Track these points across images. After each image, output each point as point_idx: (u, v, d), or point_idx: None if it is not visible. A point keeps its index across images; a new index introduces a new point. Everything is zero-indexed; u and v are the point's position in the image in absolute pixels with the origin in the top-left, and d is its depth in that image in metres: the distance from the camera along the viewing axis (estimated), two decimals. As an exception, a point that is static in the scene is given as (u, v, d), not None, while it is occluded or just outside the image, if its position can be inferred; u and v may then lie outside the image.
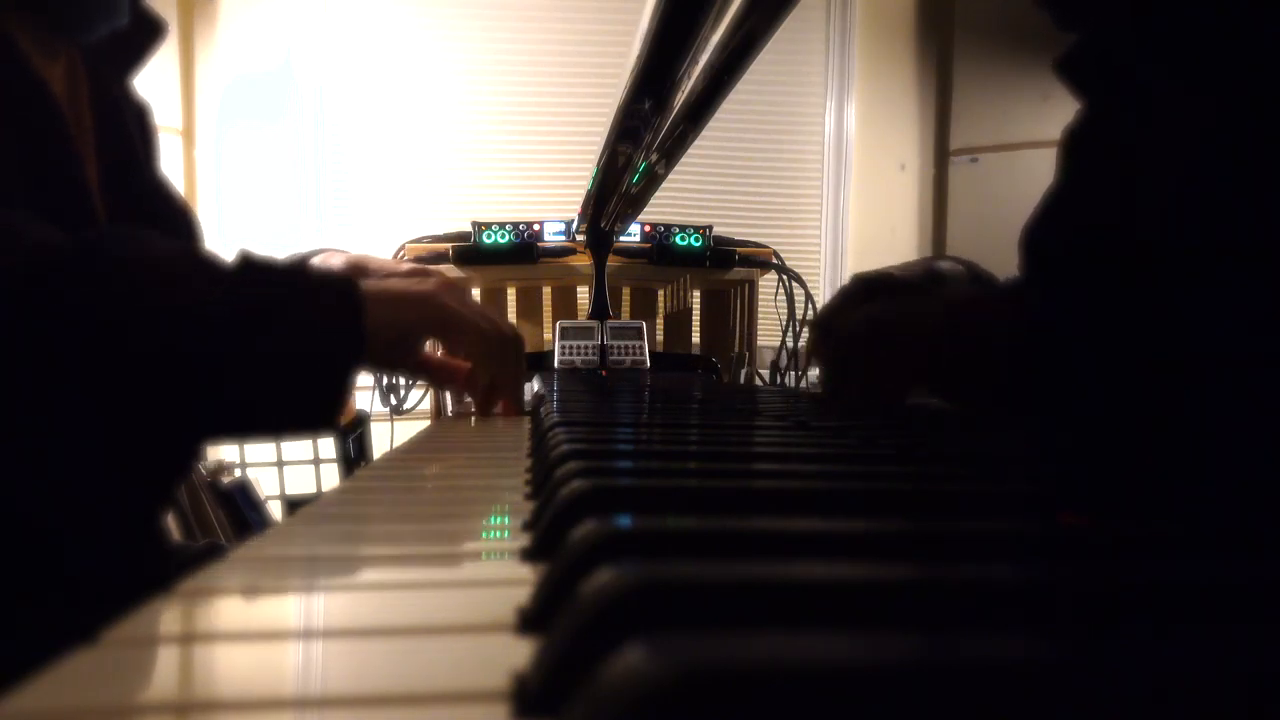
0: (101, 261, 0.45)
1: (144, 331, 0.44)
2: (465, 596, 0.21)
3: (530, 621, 0.18)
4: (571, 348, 1.29)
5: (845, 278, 2.71)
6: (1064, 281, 0.46)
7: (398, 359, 0.62)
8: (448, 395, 1.49)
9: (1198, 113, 0.39)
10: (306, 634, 0.18)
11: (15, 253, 0.43)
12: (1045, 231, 0.49)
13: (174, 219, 0.71)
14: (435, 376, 0.67)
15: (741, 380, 1.58)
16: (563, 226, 1.67)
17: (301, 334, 0.47)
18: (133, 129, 0.66)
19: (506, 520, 0.30)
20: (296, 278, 0.49)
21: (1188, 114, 0.39)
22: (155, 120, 0.71)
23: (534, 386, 0.91)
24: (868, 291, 0.64)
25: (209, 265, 0.48)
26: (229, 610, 0.20)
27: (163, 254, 0.48)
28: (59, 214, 0.56)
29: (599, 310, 1.37)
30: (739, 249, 1.72)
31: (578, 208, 1.41)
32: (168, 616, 0.19)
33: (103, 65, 0.64)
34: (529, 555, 0.24)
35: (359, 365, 0.50)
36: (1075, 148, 0.48)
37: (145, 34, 0.67)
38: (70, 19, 0.58)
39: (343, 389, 0.49)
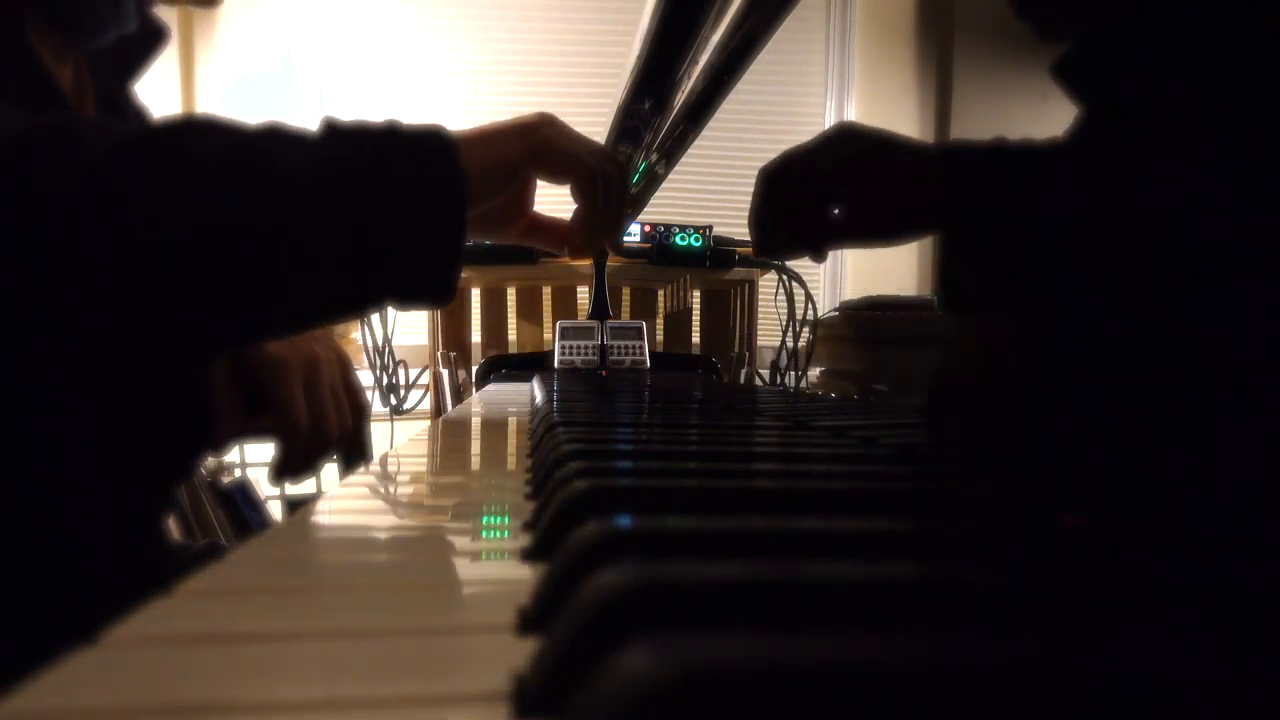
0: (172, 146, 0.43)
1: (233, 211, 0.43)
2: (465, 596, 0.21)
3: (530, 621, 0.18)
4: (571, 348, 1.29)
5: (845, 277, 2.72)
6: (1061, 283, 0.46)
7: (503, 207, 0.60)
8: (447, 394, 1.49)
9: (1193, 115, 0.39)
10: (305, 634, 0.18)
11: (77, 146, 0.42)
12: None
13: None
14: (539, 237, 0.66)
15: (741, 380, 1.58)
16: (563, 226, 1.67)
17: (401, 185, 0.45)
18: None
19: (506, 520, 0.30)
20: (383, 134, 0.48)
21: (1183, 116, 0.39)
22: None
23: (534, 387, 0.91)
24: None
25: (290, 136, 0.47)
26: (228, 610, 0.20)
27: (237, 131, 0.46)
28: None
29: (599, 310, 1.37)
30: (739, 249, 1.72)
31: (578, 208, 1.40)
32: (168, 616, 0.19)
33: (108, 69, 0.64)
34: (529, 555, 0.24)
35: (465, 207, 0.47)
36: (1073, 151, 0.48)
37: (148, 39, 0.68)
38: (82, 25, 0.58)
39: (456, 235, 0.47)
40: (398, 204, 0.45)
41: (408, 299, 0.48)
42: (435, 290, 0.47)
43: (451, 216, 0.47)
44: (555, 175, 0.56)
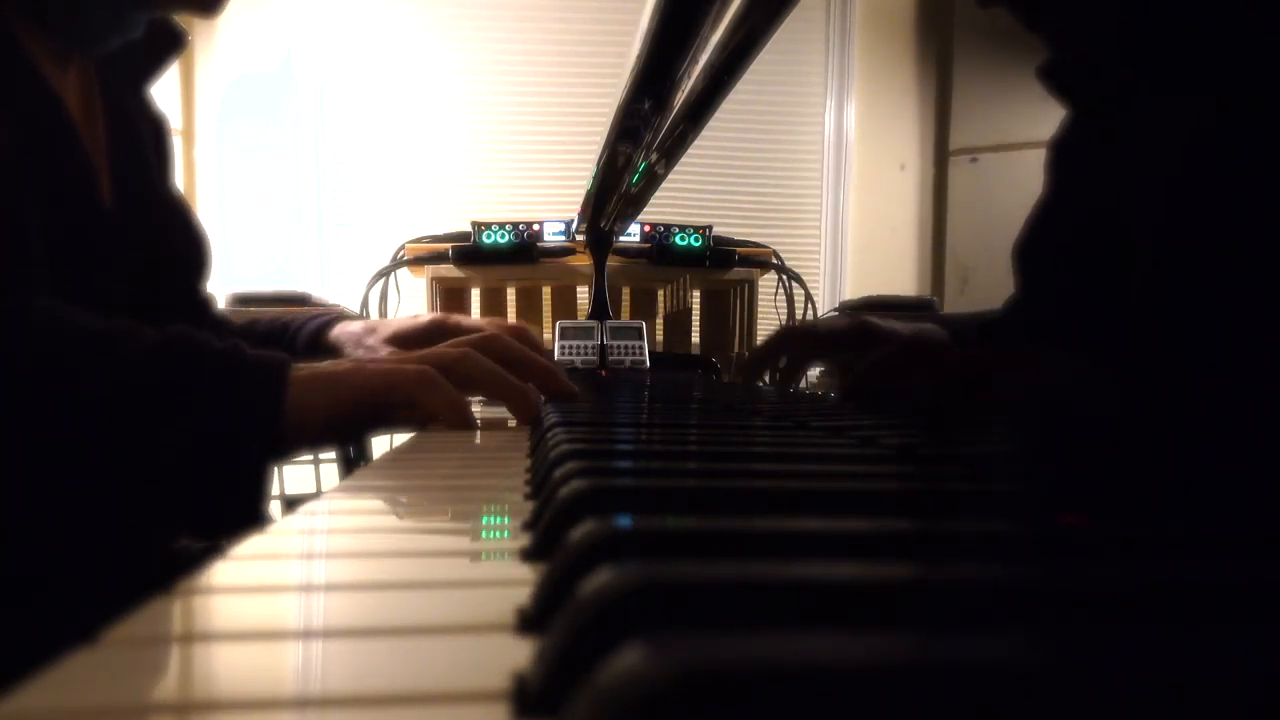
0: (12, 329, 0.45)
1: (53, 402, 0.43)
2: (465, 596, 0.21)
3: (530, 621, 0.18)
4: (571, 348, 1.29)
5: (845, 278, 2.72)
6: (1059, 287, 0.46)
7: (361, 428, 0.58)
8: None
9: (1181, 116, 0.39)
10: (306, 634, 0.18)
11: None
12: (1038, 241, 0.50)
13: (185, 233, 0.71)
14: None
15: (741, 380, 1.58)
16: (563, 226, 1.68)
17: (212, 415, 0.46)
18: (148, 142, 0.66)
19: (506, 520, 0.30)
20: (219, 358, 0.48)
21: (1170, 118, 0.39)
22: (171, 135, 0.70)
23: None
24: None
25: (130, 339, 0.47)
26: (229, 610, 0.20)
27: (82, 326, 0.47)
28: (70, 226, 0.56)
29: (599, 310, 1.37)
30: (739, 249, 1.72)
31: (578, 208, 1.41)
32: (168, 616, 0.19)
33: (118, 75, 0.64)
34: (529, 555, 0.24)
35: (273, 451, 0.48)
36: (1062, 155, 0.48)
37: (165, 45, 0.67)
38: (79, 33, 0.58)
39: (257, 475, 0.47)
40: (206, 436, 0.45)
41: (203, 526, 0.50)
42: (235, 518, 0.47)
43: (254, 459, 0.47)
44: (422, 404, 0.53)
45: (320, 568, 0.24)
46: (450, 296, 1.72)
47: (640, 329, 1.34)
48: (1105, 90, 0.45)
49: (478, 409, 0.75)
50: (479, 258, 1.59)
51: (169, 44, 0.67)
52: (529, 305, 1.75)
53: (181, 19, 0.66)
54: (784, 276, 1.67)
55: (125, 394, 0.45)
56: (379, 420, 0.55)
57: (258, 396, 0.48)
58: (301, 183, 2.51)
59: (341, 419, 0.51)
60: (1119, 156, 0.43)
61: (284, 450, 0.50)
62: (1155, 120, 0.41)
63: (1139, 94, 0.42)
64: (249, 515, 0.47)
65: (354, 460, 2.04)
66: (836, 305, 1.86)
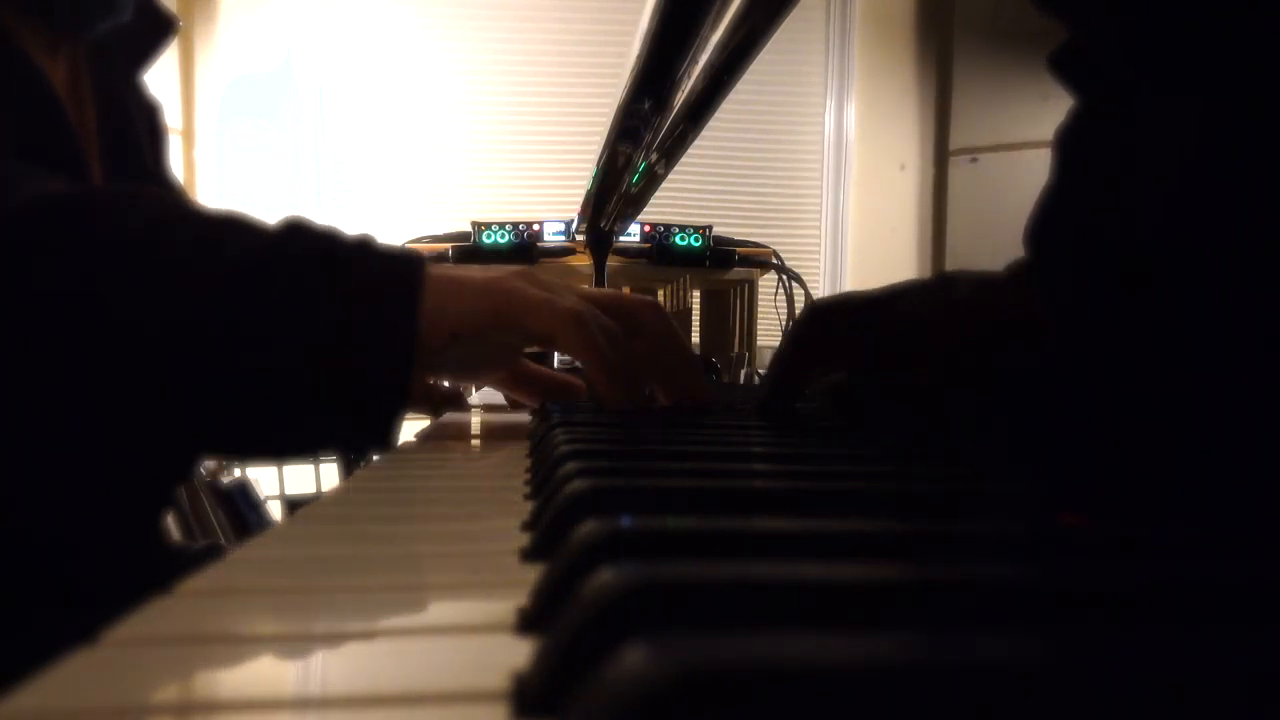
0: (110, 215, 0.40)
1: (158, 299, 0.38)
2: (464, 596, 0.21)
3: (530, 621, 0.18)
4: (571, 348, 1.29)
5: (845, 278, 2.72)
6: (1060, 280, 0.46)
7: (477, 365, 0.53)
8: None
9: (1191, 108, 0.39)
10: (305, 634, 0.18)
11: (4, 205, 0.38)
12: (1043, 229, 0.49)
13: None
14: (529, 389, 0.59)
15: (741, 380, 1.58)
16: (563, 226, 1.68)
17: (346, 308, 0.40)
18: (140, 128, 0.66)
19: (506, 520, 0.29)
20: (347, 245, 0.43)
21: (1181, 109, 0.39)
22: (165, 120, 0.70)
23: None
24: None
25: (247, 228, 0.42)
26: (228, 610, 0.20)
27: (188, 213, 0.42)
28: None
29: (599, 310, 1.37)
30: (739, 249, 1.72)
31: (578, 208, 1.41)
32: (168, 616, 0.19)
33: (109, 61, 0.64)
34: (529, 555, 0.24)
35: (412, 352, 0.41)
36: (1069, 144, 0.48)
37: (155, 30, 0.67)
38: (66, 16, 0.58)
39: (398, 383, 0.41)
40: (338, 329, 0.40)
41: (330, 439, 0.42)
42: (371, 432, 0.41)
43: (397, 360, 0.41)
44: (529, 332, 0.47)
45: (319, 568, 0.24)
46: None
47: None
48: (1116, 79, 0.45)
49: (475, 402, 0.75)
50: (479, 258, 1.59)
51: (159, 30, 0.67)
52: (529, 305, 1.75)
53: (181, 8, 0.65)
54: (784, 276, 1.67)
55: (249, 286, 0.39)
56: (496, 356, 0.50)
57: (394, 293, 0.42)
58: (301, 183, 2.51)
59: (471, 328, 0.44)
60: (1126, 147, 0.43)
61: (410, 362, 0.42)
62: (1164, 111, 0.41)
63: (1148, 84, 0.42)
64: (378, 433, 0.41)
65: (354, 460, 2.04)
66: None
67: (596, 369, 0.46)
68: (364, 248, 0.43)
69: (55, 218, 0.39)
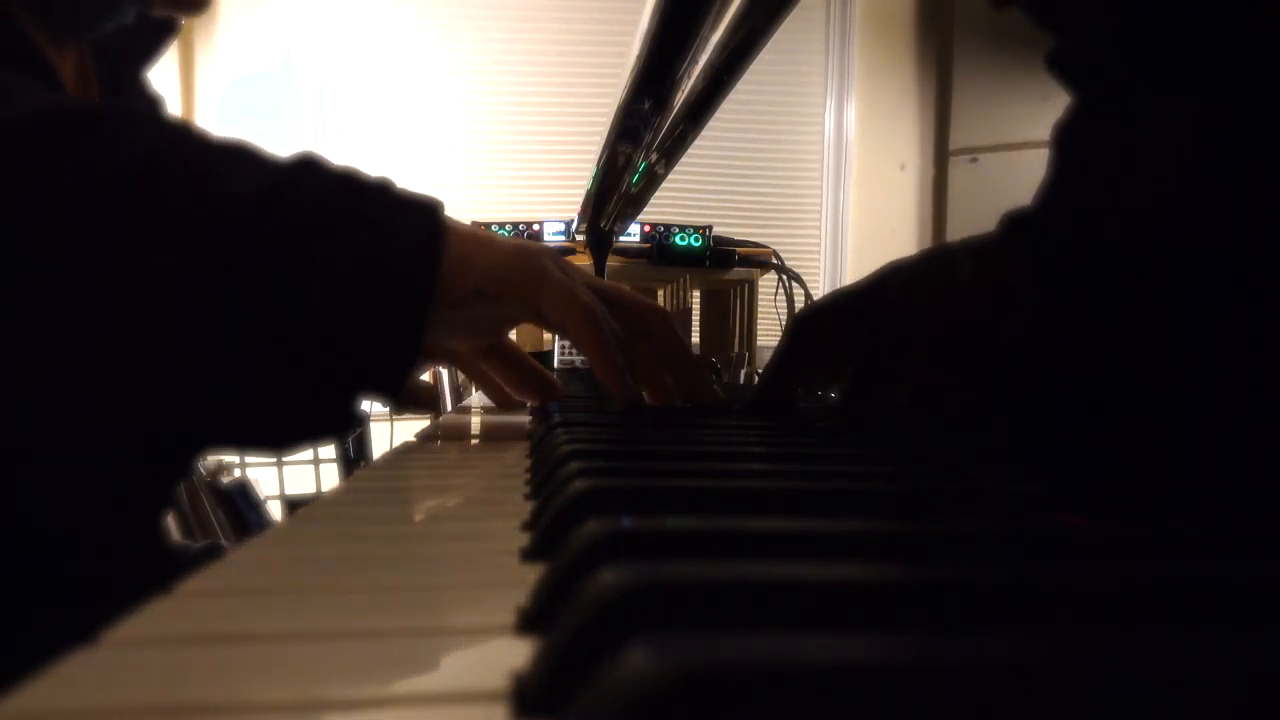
0: (111, 136, 0.37)
1: (158, 235, 0.35)
2: (464, 596, 0.21)
3: (530, 621, 0.18)
4: (571, 348, 1.29)
5: (845, 278, 2.72)
6: (1057, 278, 0.46)
7: (475, 328, 0.51)
8: (446, 393, 1.49)
9: (1188, 104, 0.39)
10: (305, 635, 0.18)
11: None
12: (1040, 224, 0.49)
13: None
14: (491, 378, 0.57)
15: (741, 380, 1.58)
16: (563, 226, 1.68)
17: (361, 253, 0.38)
18: None
19: (506, 520, 0.29)
20: (365, 184, 0.41)
21: (1178, 108, 0.39)
22: (168, 112, 0.71)
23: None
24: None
25: (257, 159, 0.40)
26: (228, 610, 0.20)
27: (194, 139, 0.39)
28: None
29: (599, 310, 1.37)
30: (739, 249, 1.72)
31: (578, 208, 1.41)
32: (168, 616, 0.19)
33: (114, 59, 0.64)
34: (529, 555, 0.24)
35: (432, 293, 0.39)
36: (1067, 140, 0.48)
37: (157, 30, 0.67)
38: (67, 17, 0.58)
39: (416, 320, 0.39)
40: (354, 269, 0.38)
41: (340, 391, 0.39)
42: (380, 381, 0.39)
43: (415, 297, 0.39)
44: (540, 311, 0.45)
45: (320, 568, 0.24)
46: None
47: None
48: (1113, 77, 0.45)
49: (476, 404, 0.75)
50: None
51: (161, 30, 0.68)
52: (529, 305, 1.75)
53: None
54: (784, 276, 1.67)
55: (259, 222, 0.37)
56: (492, 319, 0.47)
57: (415, 233, 0.40)
58: (301, 183, 2.51)
59: (494, 287, 0.42)
60: (1124, 143, 0.43)
61: (428, 315, 0.40)
62: (1161, 108, 0.41)
63: (1145, 82, 0.42)
64: (387, 382, 0.39)
65: (354, 460, 2.04)
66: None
67: (607, 367, 0.46)
68: (383, 188, 0.42)
69: (55, 133, 0.36)
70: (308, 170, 0.40)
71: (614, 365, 0.46)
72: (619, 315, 0.49)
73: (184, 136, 0.40)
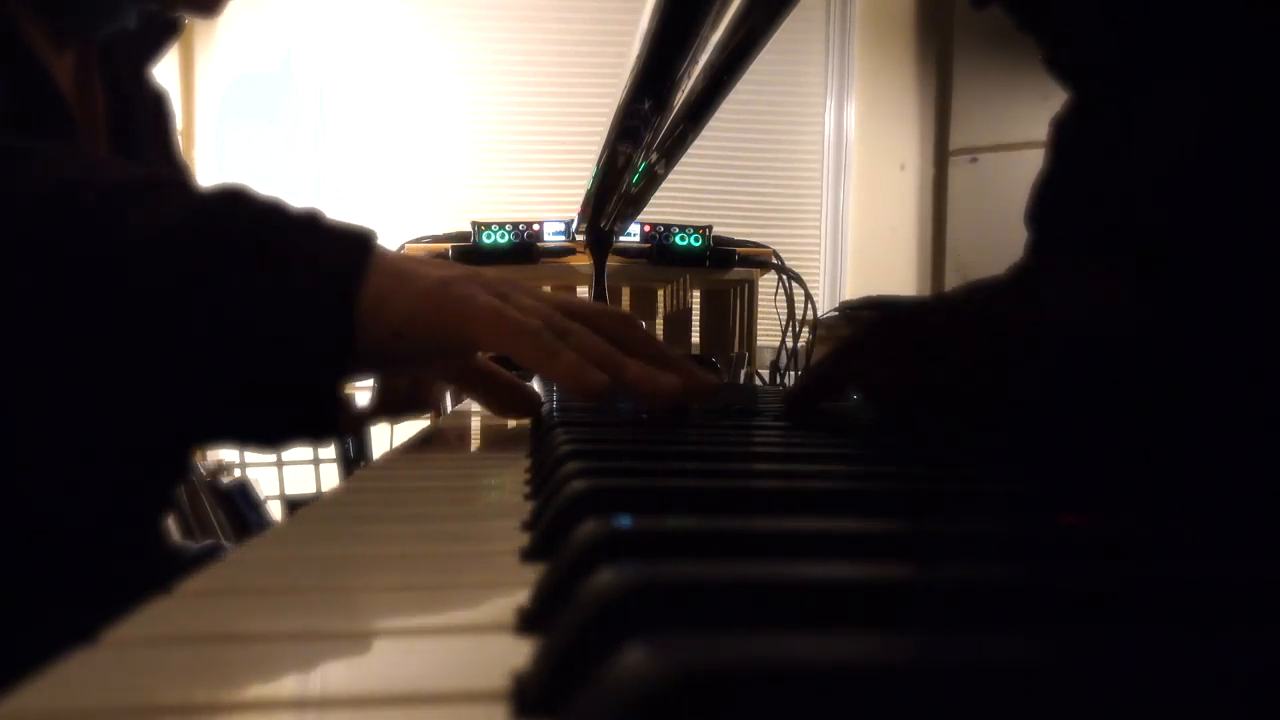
0: (27, 170, 0.37)
1: (63, 264, 0.35)
2: (464, 596, 0.21)
3: (530, 621, 0.18)
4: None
5: (845, 277, 2.72)
6: (1057, 275, 0.46)
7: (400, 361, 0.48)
8: (446, 393, 1.49)
9: (1187, 103, 0.39)
10: (306, 634, 0.18)
11: None
12: (1039, 216, 0.49)
13: None
14: (483, 392, 0.55)
15: (741, 380, 1.58)
16: (563, 226, 1.68)
17: (278, 294, 0.37)
18: (148, 123, 0.66)
19: (506, 520, 0.29)
20: (288, 218, 0.40)
21: (1176, 104, 0.39)
22: (171, 107, 0.71)
23: (534, 387, 0.91)
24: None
25: (176, 192, 0.39)
26: (228, 610, 0.20)
27: (111, 172, 0.39)
28: None
29: (599, 310, 1.37)
30: (739, 249, 1.72)
31: (578, 208, 1.41)
32: (168, 616, 0.19)
33: (116, 58, 0.64)
34: (528, 555, 0.24)
35: (350, 340, 0.39)
36: (1065, 135, 0.48)
37: (159, 30, 0.68)
38: (68, 17, 0.58)
39: (337, 364, 0.38)
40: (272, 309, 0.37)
41: (256, 429, 0.39)
42: (301, 428, 0.39)
43: (333, 332, 0.38)
44: (476, 342, 0.43)
45: (320, 568, 0.24)
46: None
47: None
48: (1110, 75, 0.45)
49: (476, 408, 0.75)
50: (479, 257, 1.59)
51: (165, 29, 0.68)
52: (529, 305, 1.75)
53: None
54: (784, 276, 1.67)
55: (170, 254, 0.36)
56: (434, 356, 0.46)
57: (333, 276, 0.38)
58: (301, 183, 2.51)
59: (413, 329, 0.40)
60: (1122, 138, 0.43)
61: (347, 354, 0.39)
62: (1159, 103, 0.41)
63: (1142, 79, 0.42)
64: (315, 426, 0.39)
65: (354, 460, 2.04)
66: (836, 305, 1.86)
67: (560, 375, 0.43)
68: (309, 223, 0.40)
69: None
70: (230, 202, 0.39)
71: (561, 364, 0.43)
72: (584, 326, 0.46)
73: (101, 169, 0.39)
